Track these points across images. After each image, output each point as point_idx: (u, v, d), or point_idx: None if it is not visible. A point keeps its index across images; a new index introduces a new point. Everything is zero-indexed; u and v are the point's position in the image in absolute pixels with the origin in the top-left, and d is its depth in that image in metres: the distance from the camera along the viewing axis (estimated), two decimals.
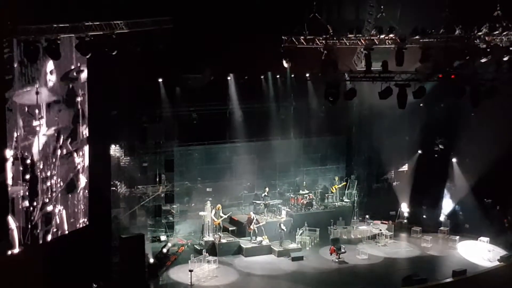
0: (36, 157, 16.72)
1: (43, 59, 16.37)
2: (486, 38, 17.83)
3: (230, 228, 23.49)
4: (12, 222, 16.03)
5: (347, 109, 26.60)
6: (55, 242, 17.61)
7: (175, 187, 24.39)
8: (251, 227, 22.67)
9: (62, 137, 17.67)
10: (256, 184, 25.64)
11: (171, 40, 17.71)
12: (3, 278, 15.05)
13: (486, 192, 24.59)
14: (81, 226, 18.80)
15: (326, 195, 26.26)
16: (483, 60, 18.18)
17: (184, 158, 24.82)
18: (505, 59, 18.02)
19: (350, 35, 18.50)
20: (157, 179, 24.27)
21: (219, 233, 22.75)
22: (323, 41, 18.37)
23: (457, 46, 18.08)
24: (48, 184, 17.27)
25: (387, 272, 21.32)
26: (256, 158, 26.06)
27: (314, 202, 25.36)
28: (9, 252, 16.02)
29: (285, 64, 19.03)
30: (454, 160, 26.41)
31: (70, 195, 18.30)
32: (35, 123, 16.53)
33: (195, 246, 22.84)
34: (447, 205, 26.23)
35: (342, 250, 22.08)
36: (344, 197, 26.45)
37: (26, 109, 16.19)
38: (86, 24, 15.94)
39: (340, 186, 26.42)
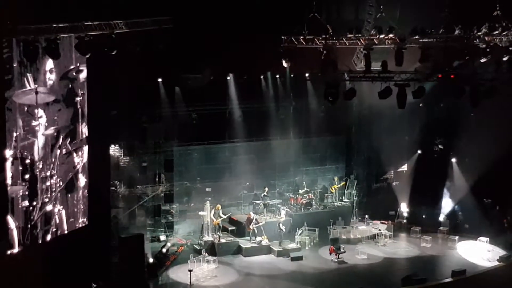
0: (35, 156, 16.70)
1: (42, 59, 16.35)
2: (486, 38, 17.85)
3: (229, 228, 23.48)
4: (11, 222, 16.01)
5: (347, 109, 26.57)
6: (55, 242, 17.57)
7: (174, 187, 24.35)
8: (251, 227, 22.67)
9: (61, 136, 17.63)
10: (256, 184, 25.56)
11: (171, 40, 17.69)
12: (2, 278, 15.03)
13: (485, 192, 24.61)
14: (80, 225, 18.75)
15: (326, 195, 26.24)
16: (482, 60, 18.21)
17: (183, 158, 24.75)
18: (505, 59, 18.03)
19: (349, 35, 18.50)
20: (157, 179, 24.23)
21: (219, 233, 22.73)
22: (323, 41, 18.37)
23: (456, 46, 18.10)
24: (48, 183, 17.24)
25: (386, 272, 21.31)
26: (256, 158, 25.99)
27: (313, 202, 25.36)
28: (9, 252, 16.00)
29: (285, 64, 18.99)
30: (453, 160, 26.43)
31: (69, 195, 18.26)
32: (34, 122, 16.51)
33: (194, 246, 22.83)
34: (447, 205, 26.23)
35: (342, 250, 22.08)
36: (343, 197, 26.44)
37: (26, 108, 16.17)
38: (86, 23, 15.92)
39: (339, 186, 26.39)
